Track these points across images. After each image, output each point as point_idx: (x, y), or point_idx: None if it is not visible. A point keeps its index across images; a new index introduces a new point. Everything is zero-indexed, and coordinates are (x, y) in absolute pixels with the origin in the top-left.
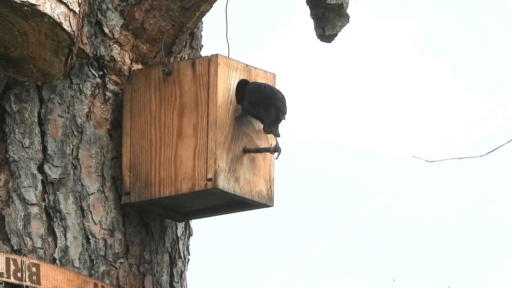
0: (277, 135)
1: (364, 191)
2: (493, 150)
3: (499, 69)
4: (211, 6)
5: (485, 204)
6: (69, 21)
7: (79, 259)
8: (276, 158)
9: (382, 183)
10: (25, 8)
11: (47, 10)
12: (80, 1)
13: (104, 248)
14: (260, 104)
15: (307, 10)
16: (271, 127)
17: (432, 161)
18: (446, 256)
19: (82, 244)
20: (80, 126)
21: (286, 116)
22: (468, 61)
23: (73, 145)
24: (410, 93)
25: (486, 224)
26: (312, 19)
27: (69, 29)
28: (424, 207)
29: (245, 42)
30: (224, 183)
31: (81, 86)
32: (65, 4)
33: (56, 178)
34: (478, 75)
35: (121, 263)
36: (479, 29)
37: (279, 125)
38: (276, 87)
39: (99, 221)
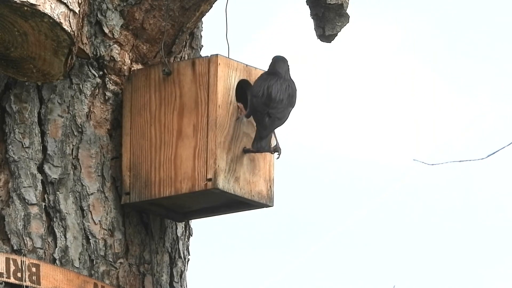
0: (261, 150)
1: (360, 194)
2: (494, 153)
3: (480, 70)
4: (211, 6)
5: (484, 206)
6: (69, 21)
7: (79, 259)
8: (278, 158)
9: (380, 186)
10: (25, 8)
11: (47, 10)
12: (80, 1)
13: (104, 248)
14: (256, 113)
15: (307, 9)
16: (257, 142)
17: (433, 164)
18: (445, 259)
19: (82, 244)
20: (80, 126)
21: (281, 122)
22: (449, 62)
23: (73, 145)
24: (399, 96)
25: (485, 226)
26: (312, 19)
27: (69, 29)
28: (422, 209)
29: (245, 41)
30: (224, 183)
31: (81, 86)
32: (65, 4)
33: (56, 178)
34: (459, 77)
35: (121, 263)
36: (456, 29)
37: (276, 132)
38: (282, 84)
39: (99, 221)
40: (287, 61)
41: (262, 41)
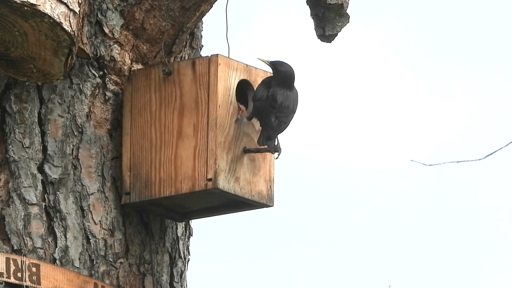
0: (270, 147)
1: (359, 196)
2: (492, 153)
3: (478, 72)
4: (211, 6)
5: (482, 206)
6: (69, 21)
7: (79, 259)
8: (276, 158)
9: (378, 187)
10: (25, 8)
11: (47, 10)
12: (80, 1)
13: (104, 248)
14: (261, 115)
15: (307, 10)
16: (264, 140)
17: (431, 165)
18: (443, 260)
19: (82, 244)
20: (80, 126)
21: (286, 126)
22: (446, 64)
23: (73, 145)
24: (396, 98)
25: (483, 227)
26: (312, 19)
27: (69, 29)
28: (420, 210)
29: (245, 41)
30: (224, 183)
31: (81, 86)
32: (65, 4)
33: (56, 178)
34: (457, 78)
35: (121, 263)
36: (444, 31)
37: (279, 135)
38: (288, 89)
39: (99, 221)
40: (294, 72)
41: (261, 40)
